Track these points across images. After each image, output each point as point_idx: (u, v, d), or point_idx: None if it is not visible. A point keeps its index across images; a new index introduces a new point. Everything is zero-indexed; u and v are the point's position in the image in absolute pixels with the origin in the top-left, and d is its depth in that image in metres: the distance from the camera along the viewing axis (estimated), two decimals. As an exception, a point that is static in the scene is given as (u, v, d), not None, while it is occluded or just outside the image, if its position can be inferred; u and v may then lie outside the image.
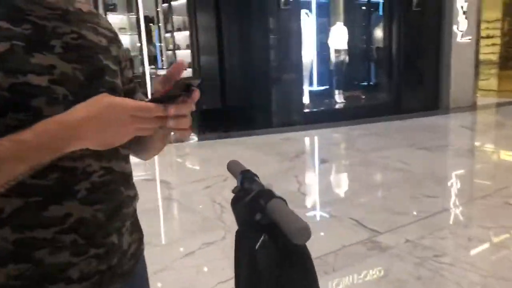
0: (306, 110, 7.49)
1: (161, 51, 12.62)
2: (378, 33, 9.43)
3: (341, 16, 9.80)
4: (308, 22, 8.09)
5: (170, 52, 9.87)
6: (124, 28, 11.72)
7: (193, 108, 0.71)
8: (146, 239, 3.08)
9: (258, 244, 0.73)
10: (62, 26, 0.75)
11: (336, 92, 8.65)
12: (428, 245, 2.85)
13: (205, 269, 2.53)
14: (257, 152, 5.56)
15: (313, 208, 3.56)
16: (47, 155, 0.65)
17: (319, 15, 9.65)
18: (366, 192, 3.95)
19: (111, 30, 0.89)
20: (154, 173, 4.86)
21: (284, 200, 0.76)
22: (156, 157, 5.79)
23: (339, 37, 8.52)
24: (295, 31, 7.05)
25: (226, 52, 7.49)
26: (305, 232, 0.65)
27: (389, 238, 2.96)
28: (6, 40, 0.68)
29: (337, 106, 8.46)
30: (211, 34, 7.50)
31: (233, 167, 0.96)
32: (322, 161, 5.31)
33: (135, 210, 0.92)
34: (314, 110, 7.91)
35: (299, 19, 7.20)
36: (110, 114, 0.64)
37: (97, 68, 0.79)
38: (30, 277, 0.71)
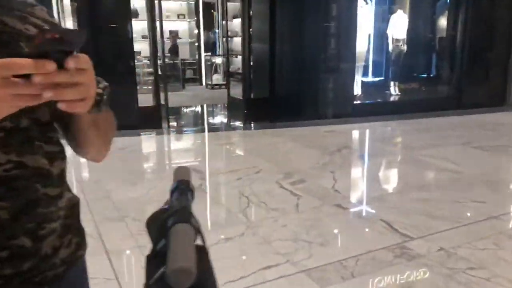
0: (357, 102, 7.19)
1: (219, 38, 12.75)
2: (442, 22, 8.81)
3: (403, 4, 9.27)
4: (366, 9, 7.72)
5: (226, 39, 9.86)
6: (182, 15, 11.94)
7: (84, 78, 0.59)
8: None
9: (154, 278, 0.61)
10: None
11: (392, 83, 8.22)
12: (464, 256, 2.60)
13: (217, 265, 2.47)
14: (299, 144, 5.42)
15: (344, 206, 3.39)
16: None
17: (379, 2, 9.19)
18: (405, 193, 3.70)
19: (48, 21, 0.83)
20: (190, 160, 4.90)
21: (197, 229, 0.64)
22: (202, 144, 5.87)
23: (399, 25, 8.06)
24: (350, 18, 6.75)
25: (278, 40, 7.35)
26: (183, 276, 0.52)
27: (420, 245, 2.74)
28: None
29: (391, 99, 8.05)
30: (264, 22, 7.39)
31: (177, 175, 0.85)
32: (364, 157, 5.06)
33: (67, 211, 0.84)
34: (366, 102, 7.58)
35: (355, 6, 6.89)
36: None
37: (15, 54, 0.73)
38: None
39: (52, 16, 0.87)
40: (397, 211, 3.29)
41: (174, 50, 10.68)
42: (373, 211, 3.36)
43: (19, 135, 0.73)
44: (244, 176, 4.11)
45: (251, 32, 7.47)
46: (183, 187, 0.75)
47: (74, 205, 0.87)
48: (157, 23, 6.62)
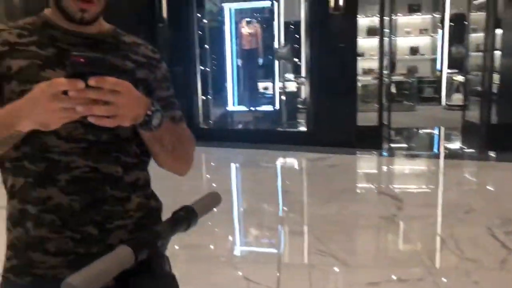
0: None
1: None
2: None
3: None
4: None
5: (476, 54, 8.88)
6: (426, 29, 11.28)
7: (115, 98, 0.74)
8: (341, 255, 3.20)
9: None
10: (84, 51, 0.87)
11: None
12: None
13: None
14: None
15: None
16: (5, 131, 0.81)
17: None
18: None
19: (148, 56, 1.01)
20: (394, 186, 4.61)
21: (137, 255, 0.69)
22: (415, 170, 5.42)
23: None
24: None
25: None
26: None
27: None
28: (28, 59, 0.88)
29: None
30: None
31: (202, 200, 0.87)
32: None
33: (142, 213, 0.96)
34: None
35: None
36: (34, 94, 0.75)
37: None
38: (22, 241, 0.91)
39: (156, 52, 1.04)
40: None
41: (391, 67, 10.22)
42: None
43: (99, 147, 0.90)
44: (450, 214, 3.61)
45: (496, 46, 6.47)
46: (180, 214, 0.81)
47: (151, 209, 1.00)
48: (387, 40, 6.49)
